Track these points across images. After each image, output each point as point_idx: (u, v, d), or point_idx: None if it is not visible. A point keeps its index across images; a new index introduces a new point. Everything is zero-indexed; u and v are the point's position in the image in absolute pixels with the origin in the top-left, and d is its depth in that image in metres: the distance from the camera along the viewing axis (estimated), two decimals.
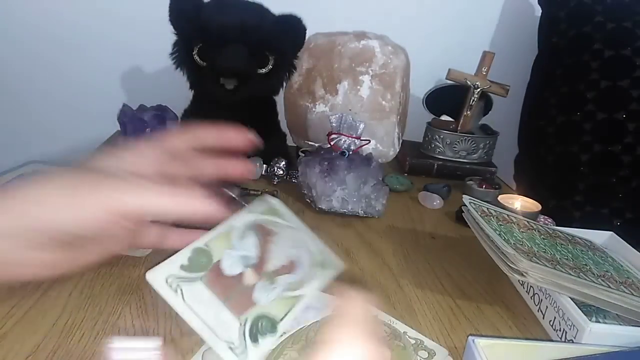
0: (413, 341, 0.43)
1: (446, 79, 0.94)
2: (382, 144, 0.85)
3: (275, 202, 0.45)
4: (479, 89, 0.94)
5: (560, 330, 0.46)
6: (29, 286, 0.46)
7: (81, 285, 0.47)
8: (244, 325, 0.35)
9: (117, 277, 0.49)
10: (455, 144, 0.95)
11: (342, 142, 0.73)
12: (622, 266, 0.58)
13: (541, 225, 0.63)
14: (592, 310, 0.48)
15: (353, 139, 0.73)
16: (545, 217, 0.76)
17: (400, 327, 0.44)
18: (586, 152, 0.87)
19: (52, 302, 0.44)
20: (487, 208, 0.62)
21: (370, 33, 0.84)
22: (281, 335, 0.37)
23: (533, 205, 0.73)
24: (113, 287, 0.47)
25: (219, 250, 0.38)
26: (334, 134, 0.73)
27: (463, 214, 0.63)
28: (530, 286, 0.53)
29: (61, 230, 0.27)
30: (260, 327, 0.35)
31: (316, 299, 0.46)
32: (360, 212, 0.70)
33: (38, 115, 1.06)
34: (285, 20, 0.76)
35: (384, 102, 0.82)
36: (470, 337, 0.40)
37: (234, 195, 0.36)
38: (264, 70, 0.76)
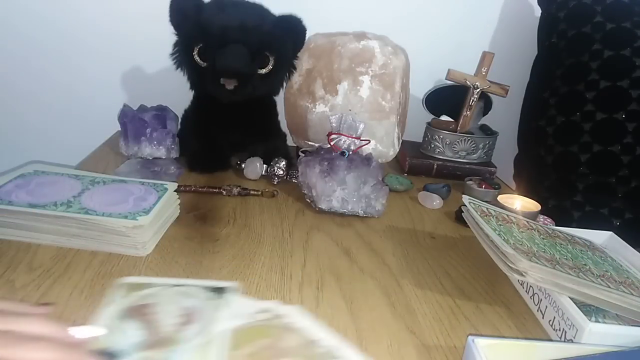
0: (324, 350, 0.40)
1: (446, 79, 0.94)
2: (382, 144, 0.85)
3: (134, 279, 0.48)
4: (478, 89, 0.94)
5: (559, 330, 0.47)
6: (29, 286, 0.46)
7: (81, 285, 0.47)
8: None
9: (117, 277, 0.49)
10: (455, 144, 0.95)
11: (342, 142, 0.73)
12: (621, 266, 0.58)
13: (541, 225, 0.63)
14: (591, 310, 0.49)
15: (353, 139, 0.73)
16: (545, 217, 0.76)
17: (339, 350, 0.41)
18: (586, 152, 0.87)
19: (52, 302, 0.44)
20: (487, 208, 0.62)
21: (370, 33, 0.84)
22: None
23: (533, 205, 0.73)
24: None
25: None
26: (334, 134, 0.73)
27: (463, 213, 0.63)
28: (530, 286, 0.53)
29: None
30: None
31: (241, 305, 0.45)
32: (360, 212, 0.70)
33: (39, 115, 1.06)
34: (286, 21, 0.77)
35: (383, 103, 0.82)
36: (469, 337, 0.40)
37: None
38: (264, 71, 0.76)
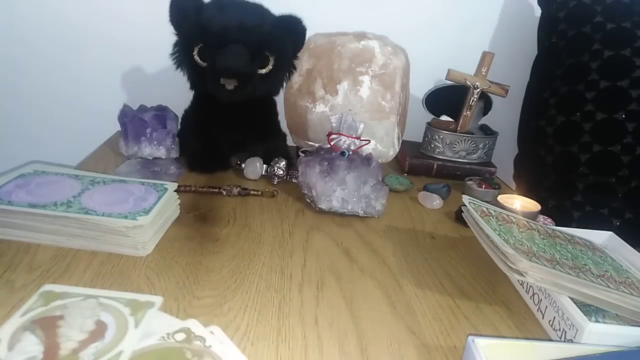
0: None
1: (446, 79, 0.94)
2: (382, 144, 0.85)
3: (51, 287, 0.45)
4: (478, 89, 0.94)
5: (559, 330, 0.47)
6: (29, 286, 0.46)
7: (81, 285, 0.47)
8: None
9: (117, 277, 0.49)
10: (455, 144, 0.95)
11: (342, 142, 0.73)
12: (621, 266, 0.58)
13: (541, 225, 0.63)
14: (591, 310, 0.49)
15: (353, 139, 0.73)
16: (545, 217, 0.76)
17: None
18: (586, 152, 0.87)
19: None
20: (487, 208, 0.62)
21: (370, 33, 0.84)
22: None
23: (533, 205, 0.73)
24: (113, 288, 0.47)
25: None
26: (334, 134, 0.73)
27: (463, 214, 0.63)
28: (530, 286, 0.53)
29: None
30: None
31: (159, 323, 0.42)
32: (360, 212, 0.70)
33: (38, 116, 1.06)
34: (286, 21, 0.77)
35: (383, 103, 0.82)
36: (469, 337, 0.40)
37: None
38: (264, 71, 0.76)
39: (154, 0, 0.94)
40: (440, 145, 0.95)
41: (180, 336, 0.41)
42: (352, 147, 0.73)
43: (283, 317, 0.46)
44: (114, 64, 1.04)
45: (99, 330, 0.40)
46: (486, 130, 1.02)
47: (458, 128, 0.97)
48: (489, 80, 0.94)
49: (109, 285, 0.48)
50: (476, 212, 0.59)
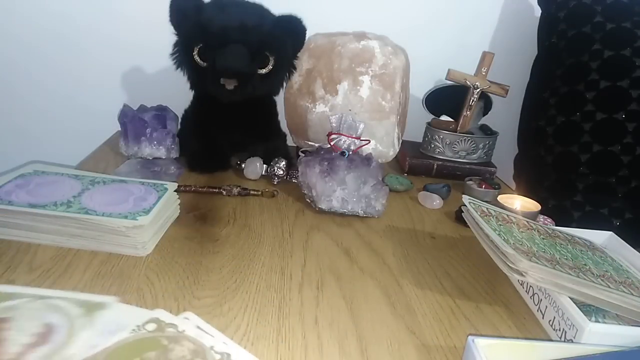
0: (218, 356, 0.38)
1: (446, 79, 0.94)
2: (382, 144, 0.85)
3: (2, 288, 0.43)
4: (478, 89, 0.94)
5: (559, 330, 0.47)
6: (29, 286, 0.46)
7: (81, 285, 0.47)
8: None
9: (117, 277, 0.49)
10: (455, 144, 0.95)
11: (342, 142, 0.73)
12: (621, 266, 0.58)
13: (541, 225, 0.63)
14: (591, 310, 0.49)
15: (353, 139, 0.73)
16: (545, 217, 0.76)
17: (209, 341, 0.40)
18: (586, 152, 0.87)
19: None
20: (487, 208, 0.62)
21: (370, 33, 0.84)
22: None
23: (533, 205, 0.73)
24: (113, 288, 0.47)
25: None
26: (334, 134, 0.73)
27: (463, 214, 0.63)
28: (530, 286, 0.53)
29: None
30: None
31: (118, 321, 0.41)
32: (360, 212, 0.70)
33: (38, 116, 1.06)
34: (286, 21, 0.77)
35: (383, 103, 0.82)
36: (469, 337, 0.40)
37: None
38: (264, 71, 0.76)
39: (154, 0, 0.94)
40: (440, 145, 0.96)
41: (151, 326, 0.40)
42: (352, 147, 0.73)
43: (283, 317, 0.46)
44: (114, 64, 1.04)
45: (47, 333, 0.38)
46: (486, 130, 1.02)
47: (458, 128, 0.97)
48: (489, 80, 0.94)
49: (109, 285, 0.48)
50: (476, 212, 0.59)
